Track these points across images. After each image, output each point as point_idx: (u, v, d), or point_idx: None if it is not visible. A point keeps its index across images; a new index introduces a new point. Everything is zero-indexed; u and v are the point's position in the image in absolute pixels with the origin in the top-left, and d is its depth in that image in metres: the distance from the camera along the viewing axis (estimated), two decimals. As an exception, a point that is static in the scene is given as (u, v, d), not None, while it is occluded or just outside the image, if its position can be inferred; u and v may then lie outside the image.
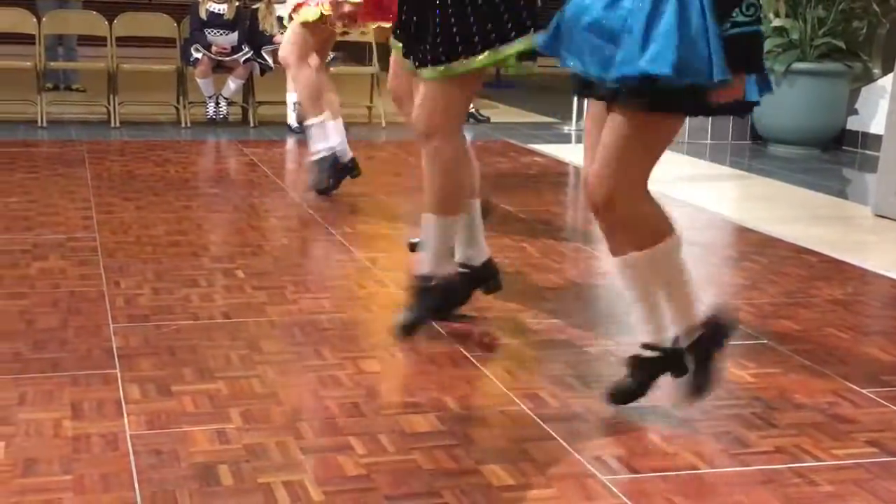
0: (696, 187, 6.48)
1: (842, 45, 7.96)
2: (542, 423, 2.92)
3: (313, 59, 5.63)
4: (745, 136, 8.58)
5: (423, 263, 3.54)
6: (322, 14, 5.38)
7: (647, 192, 2.82)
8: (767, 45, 8.08)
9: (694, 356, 2.94)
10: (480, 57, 3.32)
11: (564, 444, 2.79)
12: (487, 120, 9.39)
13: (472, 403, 3.06)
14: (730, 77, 2.57)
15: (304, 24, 5.48)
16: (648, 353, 2.96)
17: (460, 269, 3.69)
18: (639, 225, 2.84)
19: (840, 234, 5.44)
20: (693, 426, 2.94)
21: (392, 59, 3.93)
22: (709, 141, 8.45)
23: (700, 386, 2.96)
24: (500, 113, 9.93)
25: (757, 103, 2.76)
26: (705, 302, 3.01)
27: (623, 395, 3.00)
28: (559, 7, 2.85)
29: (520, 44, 3.33)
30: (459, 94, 3.43)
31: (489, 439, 2.82)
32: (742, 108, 2.78)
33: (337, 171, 5.80)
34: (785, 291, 4.32)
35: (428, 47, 3.34)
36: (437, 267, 3.52)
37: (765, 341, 3.67)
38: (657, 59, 2.54)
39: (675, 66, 2.53)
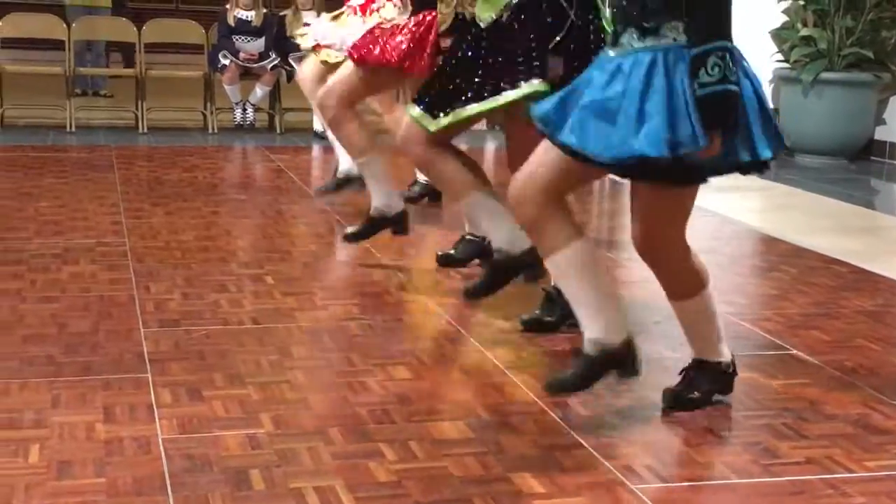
0: (722, 197, 6.45)
1: (870, 55, 7.93)
2: (571, 431, 2.92)
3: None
4: (771, 146, 8.55)
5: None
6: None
7: (686, 245, 2.96)
8: (795, 54, 8.06)
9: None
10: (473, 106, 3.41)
11: (594, 452, 2.79)
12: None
13: (501, 411, 3.06)
14: (704, 143, 2.60)
15: (324, 63, 5.53)
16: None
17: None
18: (681, 278, 3.00)
19: (869, 244, 5.41)
20: (723, 436, 2.94)
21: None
22: (735, 150, 8.41)
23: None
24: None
25: (768, 161, 2.78)
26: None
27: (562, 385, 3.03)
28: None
29: (518, 92, 3.33)
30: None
31: (519, 447, 2.82)
32: (757, 167, 2.79)
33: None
34: (814, 302, 4.30)
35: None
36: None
37: (794, 352, 3.66)
38: (652, 140, 2.58)
39: (669, 145, 2.58)
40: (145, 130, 8.46)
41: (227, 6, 8.80)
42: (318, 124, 8.33)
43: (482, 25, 3.45)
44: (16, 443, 2.70)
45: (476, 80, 3.40)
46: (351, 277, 4.45)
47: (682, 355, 3.22)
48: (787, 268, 4.83)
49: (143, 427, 2.83)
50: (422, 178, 5.81)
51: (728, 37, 2.62)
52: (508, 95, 3.33)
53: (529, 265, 3.65)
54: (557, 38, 3.32)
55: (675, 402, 3.09)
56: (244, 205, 5.85)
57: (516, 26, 3.36)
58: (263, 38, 8.68)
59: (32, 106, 8.67)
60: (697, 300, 3.01)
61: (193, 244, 4.85)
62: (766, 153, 2.74)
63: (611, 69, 2.70)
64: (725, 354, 3.12)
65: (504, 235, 3.63)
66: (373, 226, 4.59)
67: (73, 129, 8.34)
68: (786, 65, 8.23)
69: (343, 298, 4.10)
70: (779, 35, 8.31)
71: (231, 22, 8.68)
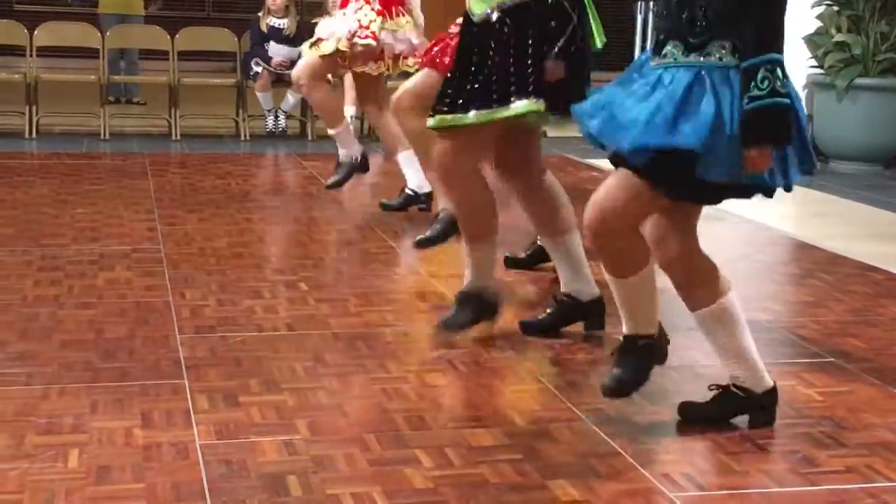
0: (756, 204, 6.41)
1: (905, 60, 7.87)
2: (608, 438, 2.91)
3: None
4: (805, 152, 8.49)
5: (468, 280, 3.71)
6: (337, 48, 5.44)
7: (698, 245, 2.92)
8: (829, 60, 8.01)
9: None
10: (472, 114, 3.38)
11: (631, 459, 2.78)
12: (544, 134, 9.35)
13: (536, 418, 3.05)
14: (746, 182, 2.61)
15: (321, 56, 5.57)
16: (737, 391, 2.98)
17: (564, 299, 3.74)
18: (699, 276, 2.92)
19: (905, 251, 5.36)
20: (761, 444, 2.92)
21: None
22: (768, 156, 8.36)
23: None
24: (558, 127, 9.90)
25: (786, 187, 2.76)
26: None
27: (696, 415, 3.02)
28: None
29: (518, 108, 3.34)
30: (477, 142, 3.49)
31: (555, 454, 2.81)
32: (766, 191, 2.78)
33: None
34: (851, 309, 4.27)
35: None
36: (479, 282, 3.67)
37: (832, 359, 3.63)
38: (688, 135, 2.57)
39: (705, 143, 2.56)
40: (178, 138, 8.51)
41: (260, 14, 8.84)
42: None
43: (474, 20, 3.44)
44: (55, 448, 2.73)
45: (469, 86, 3.38)
46: (384, 284, 4.46)
47: (717, 362, 3.19)
48: (823, 275, 4.79)
49: (180, 433, 2.85)
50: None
51: (779, 50, 2.59)
52: (501, 111, 3.34)
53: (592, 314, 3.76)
54: (560, 42, 3.31)
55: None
56: (277, 211, 5.87)
57: (514, 30, 3.34)
58: (296, 45, 8.70)
59: (67, 114, 8.75)
60: (640, 276, 2.89)
61: (227, 251, 4.87)
62: (795, 175, 2.72)
63: (652, 80, 2.68)
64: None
65: (570, 278, 3.69)
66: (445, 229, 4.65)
67: (107, 136, 8.40)
68: (820, 70, 8.18)
69: (377, 305, 4.11)
70: (813, 41, 8.26)
71: (263, 29, 8.72)
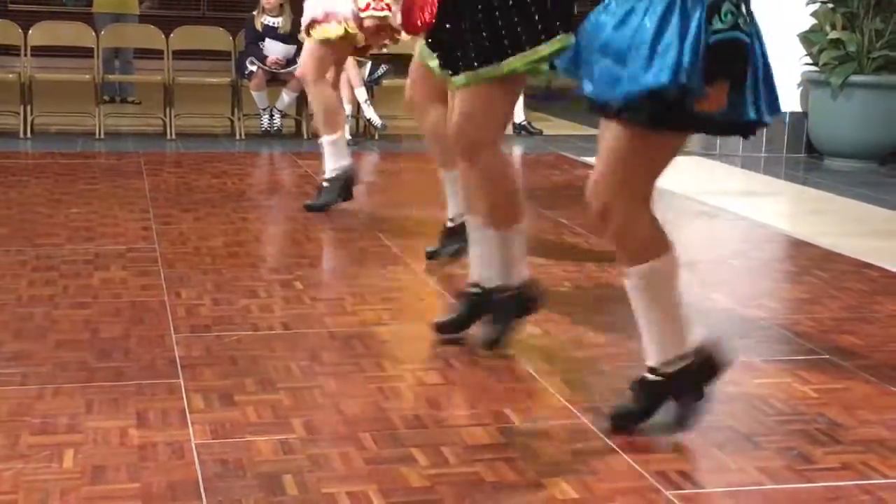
0: (752, 201, 6.44)
1: (900, 57, 7.88)
2: (604, 436, 2.91)
3: (330, 75, 5.69)
4: (800, 150, 8.51)
5: (493, 277, 3.54)
6: (347, 31, 5.37)
7: (647, 207, 2.80)
8: (824, 57, 8.01)
9: (676, 385, 2.89)
10: (510, 60, 3.26)
11: (627, 458, 2.78)
12: (540, 133, 9.39)
13: (533, 416, 3.05)
14: (700, 87, 2.54)
15: (325, 42, 5.47)
16: (651, 377, 2.91)
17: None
18: (631, 238, 2.81)
19: (901, 248, 5.37)
20: (757, 442, 2.92)
21: (412, 66, 3.95)
22: (763, 154, 8.38)
23: (682, 417, 2.91)
24: (553, 126, 9.92)
25: (761, 123, 2.70)
26: (702, 333, 2.93)
27: (625, 418, 2.95)
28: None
29: (549, 46, 3.25)
30: (497, 104, 3.38)
31: (551, 453, 2.81)
32: (744, 129, 2.73)
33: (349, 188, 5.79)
34: (847, 306, 4.27)
35: (460, 54, 3.32)
36: (510, 278, 3.52)
37: (827, 356, 3.63)
38: (659, 72, 2.55)
39: (673, 72, 2.53)
40: (173, 137, 8.51)
41: (254, 12, 8.84)
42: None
43: None
44: (50, 448, 2.72)
45: (494, 37, 3.27)
46: (380, 283, 4.45)
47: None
48: (819, 272, 4.80)
49: (176, 432, 2.84)
50: None
51: None
52: (537, 52, 3.26)
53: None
54: None
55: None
56: (272, 210, 5.87)
57: None
58: (291, 44, 8.69)
59: (62, 113, 8.74)
60: (661, 262, 2.81)
61: (223, 250, 4.87)
62: (767, 117, 2.68)
63: (621, 13, 2.66)
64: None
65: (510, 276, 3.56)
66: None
67: (102, 135, 8.39)
68: (814, 68, 8.19)
69: (373, 304, 4.10)
70: (807, 38, 8.27)
71: (258, 28, 8.71)
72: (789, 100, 8.25)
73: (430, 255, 4.65)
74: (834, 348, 3.72)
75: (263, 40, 8.67)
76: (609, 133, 2.76)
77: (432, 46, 3.52)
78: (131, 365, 3.35)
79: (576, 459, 2.76)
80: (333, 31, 5.38)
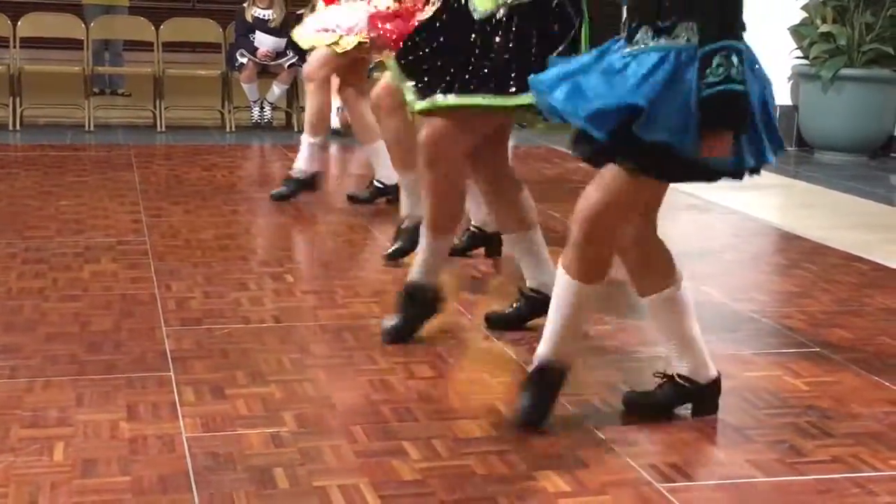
0: (742, 194, 6.42)
1: (890, 50, 7.87)
2: (595, 429, 2.91)
3: (334, 81, 5.80)
4: (790, 143, 8.51)
5: (414, 273, 3.63)
6: (360, 42, 5.40)
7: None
8: (814, 51, 8.02)
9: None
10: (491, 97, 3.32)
11: (619, 451, 2.78)
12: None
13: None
14: (690, 152, 2.58)
15: (341, 53, 5.50)
16: (681, 381, 3.00)
17: (531, 294, 3.71)
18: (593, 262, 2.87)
19: (890, 241, 5.37)
20: (748, 435, 2.92)
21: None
22: (754, 147, 8.37)
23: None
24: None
25: (753, 170, 2.75)
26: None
27: (639, 406, 3.04)
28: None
29: (526, 98, 3.26)
30: (472, 128, 3.44)
31: (543, 445, 2.81)
32: (735, 174, 2.76)
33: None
34: (837, 299, 4.28)
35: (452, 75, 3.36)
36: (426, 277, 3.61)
37: (818, 349, 3.64)
38: (636, 94, 2.57)
39: (649, 101, 2.55)
40: (163, 129, 8.48)
41: (245, 4, 8.81)
42: (335, 122, 8.33)
43: (476, 17, 3.42)
44: (40, 441, 2.71)
45: (470, 69, 3.33)
46: (371, 275, 4.45)
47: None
48: (809, 265, 4.81)
49: (166, 425, 2.84)
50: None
51: (736, 36, 2.59)
52: (510, 99, 3.29)
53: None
54: (560, 48, 3.30)
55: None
56: (263, 203, 5.84)
57: (518, 27, 3.32)
58: (282, 37, 8.67)
59: (51, 105, 8.70)
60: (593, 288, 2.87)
61: (213, 243, 4.85)
62: (770, 157, 2.72)
63: (620, 66, 2.68)
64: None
65: (430, 276, 3.63)
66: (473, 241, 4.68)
67: (92, 128, 8.36)
68: (805, 61, 8.19)
69: (364, 296, 4.10)
70: (798, 31, 8.27)
71: (249, 20, 8.68)
72: (780, 93, 8.23)
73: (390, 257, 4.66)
74: (824, 341, 3.73)
75: (254, 32, 8.64)
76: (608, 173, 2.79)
77: (405, 59, 3.53)
78: (122, 358, 3.34)
79: (567, 452, 2.76)
80: (352, 42, 5.41)
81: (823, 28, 8.02)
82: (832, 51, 7.98)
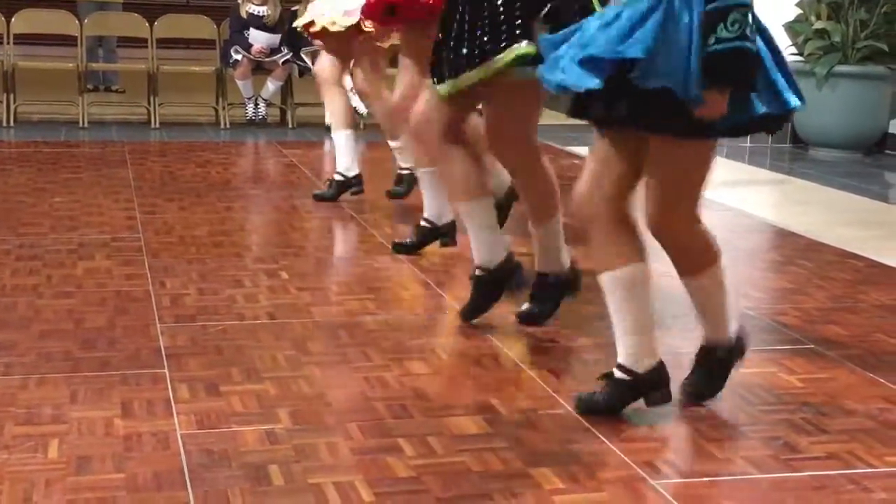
0: (737, 191, 6.45)
1: (884, 47, 7.89)
2: (590, 426, 2.91)
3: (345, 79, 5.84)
4: (785, 140, 8.53)
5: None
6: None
7: (699, 218, 2.90)
8: (809, 47, 8.03)
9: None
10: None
11: (613, 447, 2.78)
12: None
13: (518, 406, 3.04)
14: (697, 95, 2.56)
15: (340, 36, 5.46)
16: (621, 376, 2.95)
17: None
18: (687, 252, 2.94)
19: (885, 238, 5.39)
20: (742, 431, 2.92)
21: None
22: (748, 144, 8.39)
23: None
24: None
25: (787, 115, 2.74)
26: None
27: (589, 406, 2.98)
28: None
29: (510, 54, 3.29)
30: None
31: (537, 442, 2.81)
32: (764, 125, 2.77)
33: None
34: (832, 296, 4.28)
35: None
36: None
37: (812, 346, 3.64)
38: (632, 44, 2.55)
39: (648, 51, 2.53)
40: (157, 126, 8.47)
41: (239, 1, 8.79)
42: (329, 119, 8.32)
43: None
44: (35, 438, 2.71)
45: (465, 46, 3.35)
46: (366, 272, 4.44)
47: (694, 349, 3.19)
48: (804, 262, 4.81)
49: (161, 422, 2.83)
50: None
51: None
52: (498, 61, 3.29)
53: (509, 278, 3.68)
54: (546, 8, 3.29)
55: (697, 394, 3.07)
56: (257, 200, 5.84)
57: None
58: (277, 33, 8.66)
59: (45, 102, 8.69)
60: (711, 272, 2.96)
61: (208, 239, 4.85)
62: (793, 100, 2.69)
63: (609, 16, 2.67)
64: (731, 339, 3.07)
65: (485, 253, 3.63)
66: (424, 237, 4.63)
67: (86, 124, 8.35)
68: (800, 58, 8.20)
69: (358, 293, 4.10)
70: (792, 28, 8.28)
71: (243, 16, 8.67)
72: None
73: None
74: (819, 338, 3.73)
75: (248, 29, 8.64)
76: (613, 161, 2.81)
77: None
78: (116, 355, 3.33)
79: (562, 449, 2.76)
80: (347, 21, 5.35)
81: (818, 25, 8.03)
82: (827, 47, 7.99)
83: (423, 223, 4.65)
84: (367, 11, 4.60)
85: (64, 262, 4.39)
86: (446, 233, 4.61)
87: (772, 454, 2.78)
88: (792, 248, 5.09)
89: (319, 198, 5.73)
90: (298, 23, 5.69)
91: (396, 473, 2.59)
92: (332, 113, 5.81)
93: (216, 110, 8.80)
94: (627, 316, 2.89)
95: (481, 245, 3.63)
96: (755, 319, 3.93)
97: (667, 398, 2.95)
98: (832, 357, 3.54)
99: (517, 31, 3.28)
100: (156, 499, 2.43)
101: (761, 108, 2.68)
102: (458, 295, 4.08)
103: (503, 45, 3.29)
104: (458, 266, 4.49)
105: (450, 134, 3.52)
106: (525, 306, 3.75)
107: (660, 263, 3.03)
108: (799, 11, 8.27)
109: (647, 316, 2.91)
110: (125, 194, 5.78)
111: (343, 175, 5.71)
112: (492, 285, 3.67)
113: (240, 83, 8.67)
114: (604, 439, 2.82)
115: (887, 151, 8.29)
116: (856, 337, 3.77)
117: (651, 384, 2.93)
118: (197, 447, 2.69)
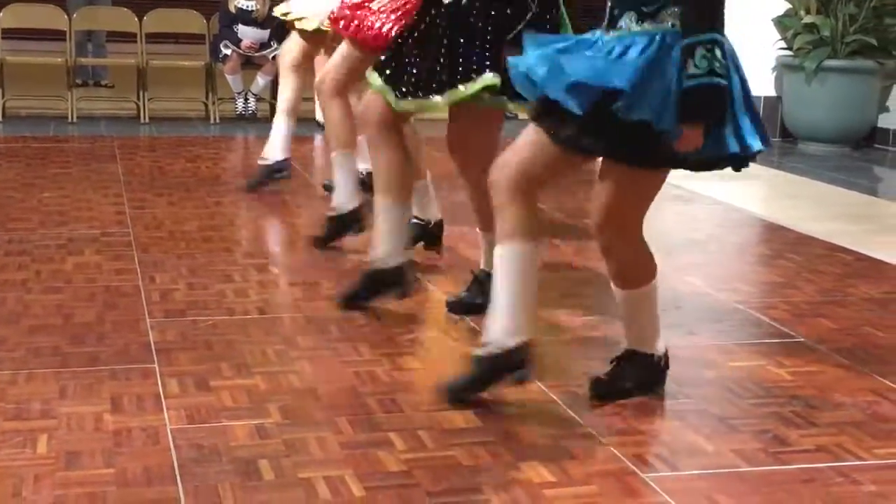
0: (726, 185, 6.44)
1: (873, 42, 7.90)
2: (580, 420, 2.91)
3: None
4: (774, 134, 8.53)
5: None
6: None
7: (641, 237, 2.93)
8: (798, 42, 8.04)
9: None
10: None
11: (604, 441, 2.78)
12: (516, 117, 9.34)
13: (509, 400, 3.04)
14: (669, 128, 2.60)
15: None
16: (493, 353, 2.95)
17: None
18: (631, 266, 2.96)
19: (874, 232, 5.40)
20: (732, 424, 2.93)
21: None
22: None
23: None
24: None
25: (749, 155, 2.76)
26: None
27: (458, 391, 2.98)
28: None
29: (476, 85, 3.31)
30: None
31: (528, 436, 2.81)
32: (732, 162, 2.78)
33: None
34: (821, 290, 4.29)
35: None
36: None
37: (802, 340, 3.65)
38: (619, 74, 2.59)
39: (632, 85, 2.57)
40: (147, 121, 8.45)
41: (228, -5, 8.77)
42: (319, 114, 8.30)
43: (445, 1, 3.42)
44: (24, 434, 2.70)
45: (437, 67, 3.37)
46: (356, 267, 4.43)
47: (689, 343, 3.21)
48: (793, 255, 4.82)
49: (151, 417, 2.83)
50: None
51: (718, 29, 2.60)
52: (464, 90, 3.32)
53: (398, 283, 3.72)
54: (516, 30, 3.31)
55: (605, 391, 3.05)
56: (247, 194, 5.83)
57: (475, 12, 3.34)
58: (266, 28, 8.64)
59: (34, 97, 8.65)
60: (645, 290, 2.98)
61: (197, 234, 4.84)
62: (756, 144, 2.73)
63: (603, 49, 2.69)
64: (659, 349, 3.08)
65: (387, 249, 3.68)
66: (335, 226, 4.63)
67: (75, 119, 8.32)
68: (788, 52, 8.21)
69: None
70: (781, 22, 8.29)
71: (232, 11, 8.65)
72: (763, 84, 8.28)
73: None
74: (808, 331, 3.74)
75: (237, 24, 8.61)
76: (603, 172, 2.85)
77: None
78: (105, 350, 3.33)
79: (552, 443, 2.76)
80: (311, 25, 5.33)
81: (807, 19, 8.04)
82: (816, 42, 8.00)
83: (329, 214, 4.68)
84: (332, 21, 4.58)
85: (53, 258, 4.38)
86: (355, 220, 4.64)
87: (761, 447, 2.79)
88: (781, 242, 5.10)
89: (250, 186, 5.75)
90: (278, 10, 5.68)
91: (387, 467, 2.59)
92: (282, 100, 5.79)
93: (206, 105, 8.78)
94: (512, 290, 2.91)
95: (385, 245, 3.70)
96: (744, 313, 3.95)
97: (527, 377, 2.98)
98: (821, 350, 3.55)
99: (486, 62, 3.30)
100: (145, 494, 2.42)
101: (734, 147, 2.71)
102: (449, 290, 4.08)
103: (472, 74, 3.31)
104: (450, 260, 4.49)
105: (388, 126, 3.58)
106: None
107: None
108: (788, 6, 8.28)
109: (531, 294, 2.94)
110: (114, 189, 5.76)
111: (264, 159, 5.72)
112: (380, 283, 3.73)
113: (229, 78, 8.65)
114: (594, 433, 2.83)
115: (876, 145, 8.31)
116: (845, 330, 3.78)
117: (519, 360, 2.94)
118: (187, 442, 2.68)
